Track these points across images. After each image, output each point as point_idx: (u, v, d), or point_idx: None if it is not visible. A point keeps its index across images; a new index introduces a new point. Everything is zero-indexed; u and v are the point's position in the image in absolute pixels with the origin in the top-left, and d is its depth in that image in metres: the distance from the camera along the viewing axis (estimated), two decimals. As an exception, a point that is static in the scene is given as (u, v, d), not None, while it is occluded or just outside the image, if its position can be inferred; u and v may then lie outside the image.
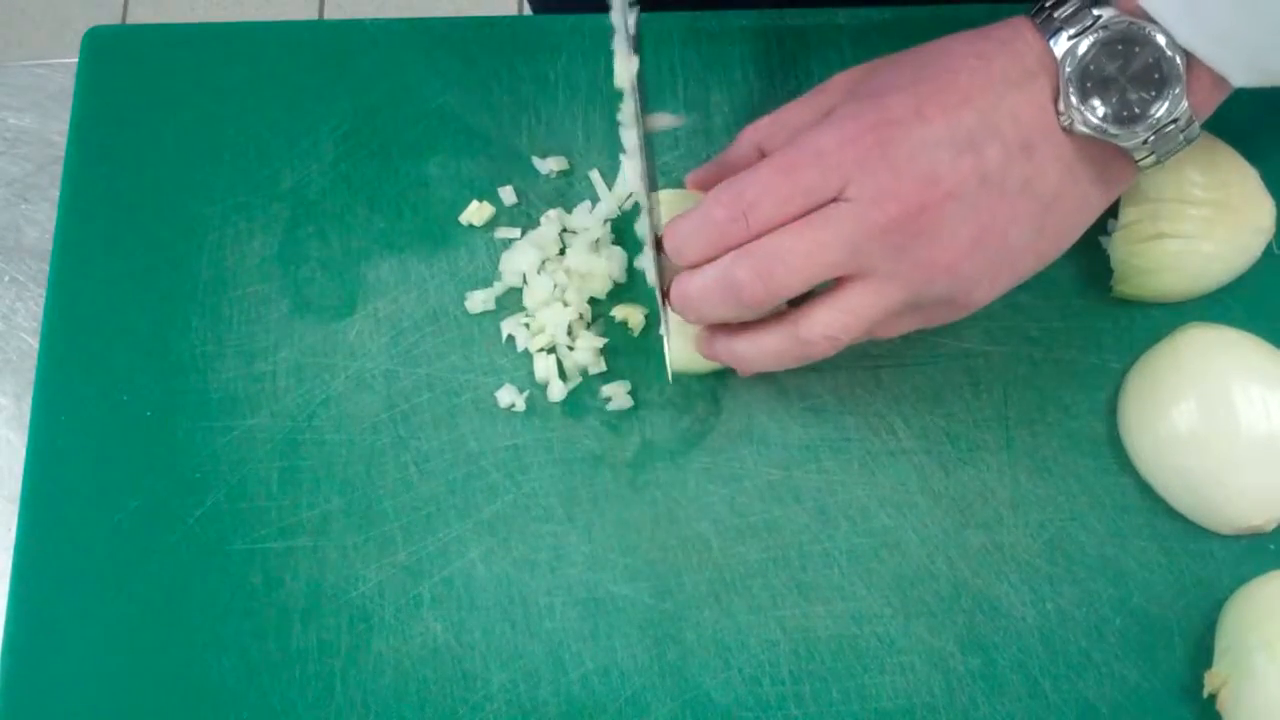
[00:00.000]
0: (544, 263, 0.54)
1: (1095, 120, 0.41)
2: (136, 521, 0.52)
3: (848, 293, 0.43)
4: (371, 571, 0.51)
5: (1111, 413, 0.52)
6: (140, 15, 1.51)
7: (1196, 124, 0.43)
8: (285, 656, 0.50)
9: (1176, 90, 0.41)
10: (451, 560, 0.51)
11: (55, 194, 0.57)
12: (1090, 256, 0.54)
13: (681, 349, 0.50)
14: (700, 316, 0.45)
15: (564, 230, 0.55)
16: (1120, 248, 0.52)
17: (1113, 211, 0.52)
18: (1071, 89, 0.41)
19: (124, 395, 0.54)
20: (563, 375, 0.53)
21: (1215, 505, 0.49)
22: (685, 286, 0.45)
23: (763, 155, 0.47)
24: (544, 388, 0.53)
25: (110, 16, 1.51)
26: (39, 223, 0.61)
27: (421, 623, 0.51)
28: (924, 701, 0.49)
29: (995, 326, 0.54)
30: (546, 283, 0.53)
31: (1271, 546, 0.51)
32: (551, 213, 0.55)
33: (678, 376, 0.53)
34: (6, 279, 0.60)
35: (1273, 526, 0.49)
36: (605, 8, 0.46)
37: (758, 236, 0.42)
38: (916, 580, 0.51)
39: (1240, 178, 0.52)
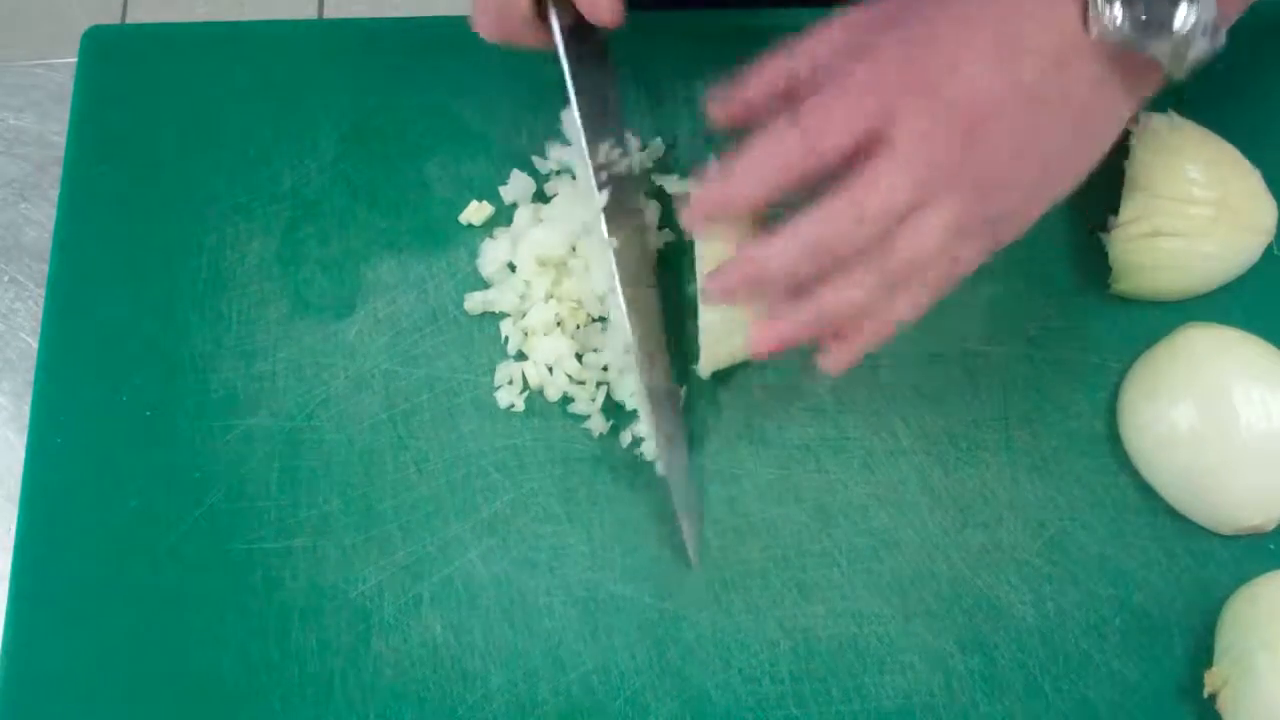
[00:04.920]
0: (546, 295, 0.54)
1: (1124, 30, 0.41)
2: (136, 521, 0.52)
3: (913, 220, 0.42)
4: (371, 571, 0.51)
5: (1111, 413, 0.52)
6: (140, 15, 1.51)
7: (1223, 30, 0.42)
8: (285, 656, 0.50)
9: None
10: (451, 560, 0.51)
11: (55, 194, 0.57)
12: (1090, 255, 0.54)
13: (719, 345, 0.50)
14: (775, 273, 0.43)
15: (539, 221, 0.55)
16: (1119, 245, 0.52)
17: (1113, 209, 0.52)
18: (1100, 0, 0.41)
19: (124, 395, 0.54)
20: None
21: (1215, 505, 0.49)
22: (764, 249, 0.43)
23: (787, 95, 0.46)
24: (543, 387, 0.53)
25: (110, 16, 1.51)
26: (38, 223, 0.61)
27: (421, 622, 0.51)
28: (924, 701, 0.49)
29: (995, 326, 0.54)
30: (548, 312, 0.53)
31: (1271, 546, 0.51)
32: (527, 208, 0.55)
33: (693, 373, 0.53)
34: (6, 279, 0.60)
35: (1273, 526, 0.49)
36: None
37: (825, 165, 0.42)
38: (916, 580, 0.51)
39: (1241, 178, 0.52)
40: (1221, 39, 0.43)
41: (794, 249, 0.42)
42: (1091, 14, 0.41)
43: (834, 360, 0.45)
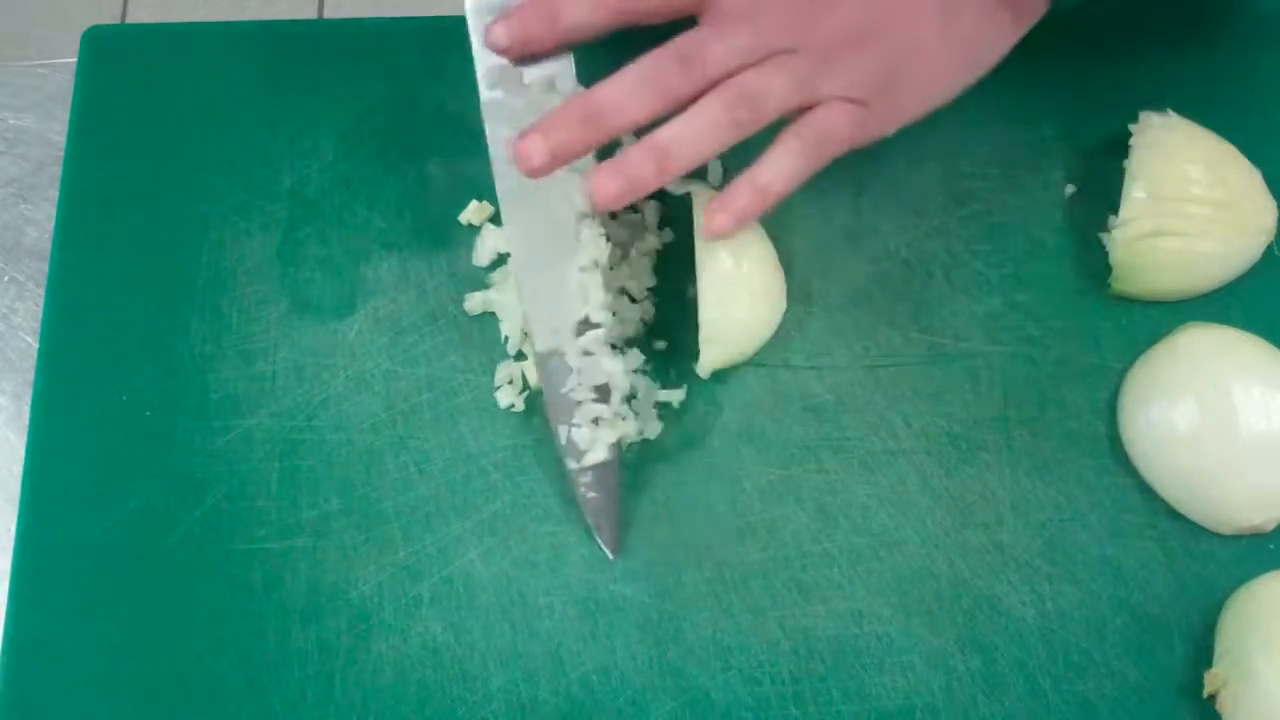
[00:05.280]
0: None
1: None
2: (136, 521, 0.52)
3: (757, 66, 0.43)
4: (371, 572, 0.51)
5: (1111, 413, 0.52)
6: (140, 15, 1.51)
7: None
8: (285, 656, 0.50)
9: None
10: (451, 560, 0.51)
11: (55, 194, 0.57)
12: (1090, 255, 0.54)
13: (719, 345, 0.51)
14: (617, 112, 0.44)
15: None
16: (1119, 245, 0.52)
17: (1113, 209, 0.52)
18: None
19: (124, 395, 0.54)
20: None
21: (1215, 505, 0.49)
22: (601, 90, 0.43)
23: None
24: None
25: (110, 16, 1.51)
26: (38, 223, 0.61)
27: (421, 623, 0.51)
28: (924, 701, 0.49)
29: (995, 326, 0.54)
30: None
31: (1271, 546, 0.51)
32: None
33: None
34: (6, 279, 0.60)
35: (1273, 526, 0.49)
36: None
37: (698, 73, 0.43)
38: (916, 580, 0.51)
39: (1241, 177, 0.52)
40: None
41: (625, 79, 0.43)
42: None
43: (716, 221, 0.46)
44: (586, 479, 0.50)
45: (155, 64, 0.59)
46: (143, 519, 0.52)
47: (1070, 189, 0.56)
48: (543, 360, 0.50)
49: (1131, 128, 0.53)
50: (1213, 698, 0.47)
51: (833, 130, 0.45)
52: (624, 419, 0.50)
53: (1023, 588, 0.50)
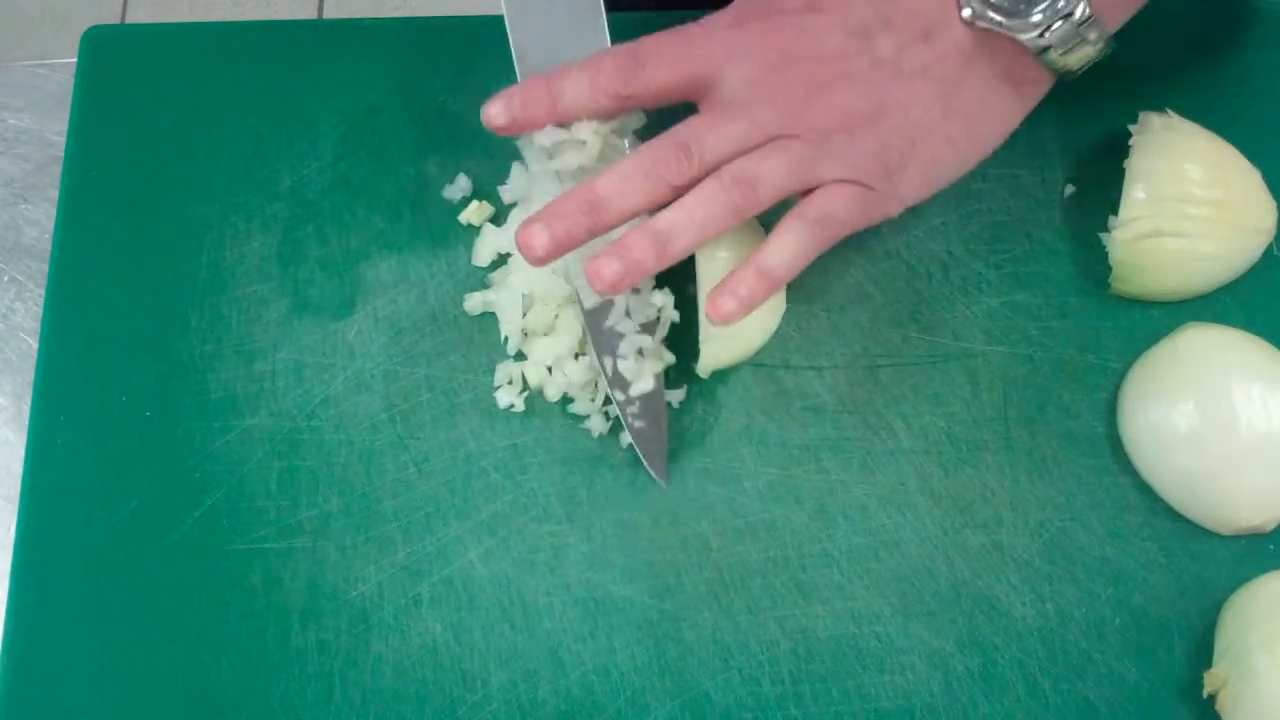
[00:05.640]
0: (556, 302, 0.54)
1: (987, 11, 0.43)
2: (136, 521, 0.52)
3: (753, 154, 0.44)
4: (371, 571, 0.51)
5: (1111, 413, 0.52)
6: (140, 15, 1.51)
7: (1102, 25, 0.43)
8: (284, 656, 0.50)
9: None
10: (451, 560, 0.51)
11: (54, 194, 0.57)
12: (1090, 255, 0.54)
13: (719, 345, 0.51)
14: (617, 202, 0.44)
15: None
16: (1119, 246, 0.52)
17: (1113, 209, 0.52)
18: None
19: (123, 395, 0.54)
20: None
21: (1215, 505, 0.49)
22: (600, 181, 0.44)
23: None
24: (542, 388, 0.53)
25: (110, 16, 1.51)
26: (38, 223, 0.61)
27: (421, 623, 0.51)
28: (924, 701, 0.49)
29: (995, 326, 0.54)
30: (547, 312, 0.53)
31: (1271, 546, 0.51)
32: (524, 206, 0.55)
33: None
34: (6, 279, 0.60)
35: (1273, 526, 0.49)
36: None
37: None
38: (916, 580, 0.51)
39: (1241, 178, 0.52)
40: (1101, 35, 0.44)
41: (624, 169, 0.44)
42: None
43: (724, 307, 0.46)
44: (634, 409, 0.50)
45: (155, 64, 0.59)
46: (143, 519, 0.52)
47: (1070, 189, 0.56)
48: (587, 296, 0.50)
49: (1131, 128, 0.53)
50: (1212, 698, 0.47)
51: (835, 213, 0.45)
52: (666, 350, 0.51)
53: (1023, 588, 0.50)
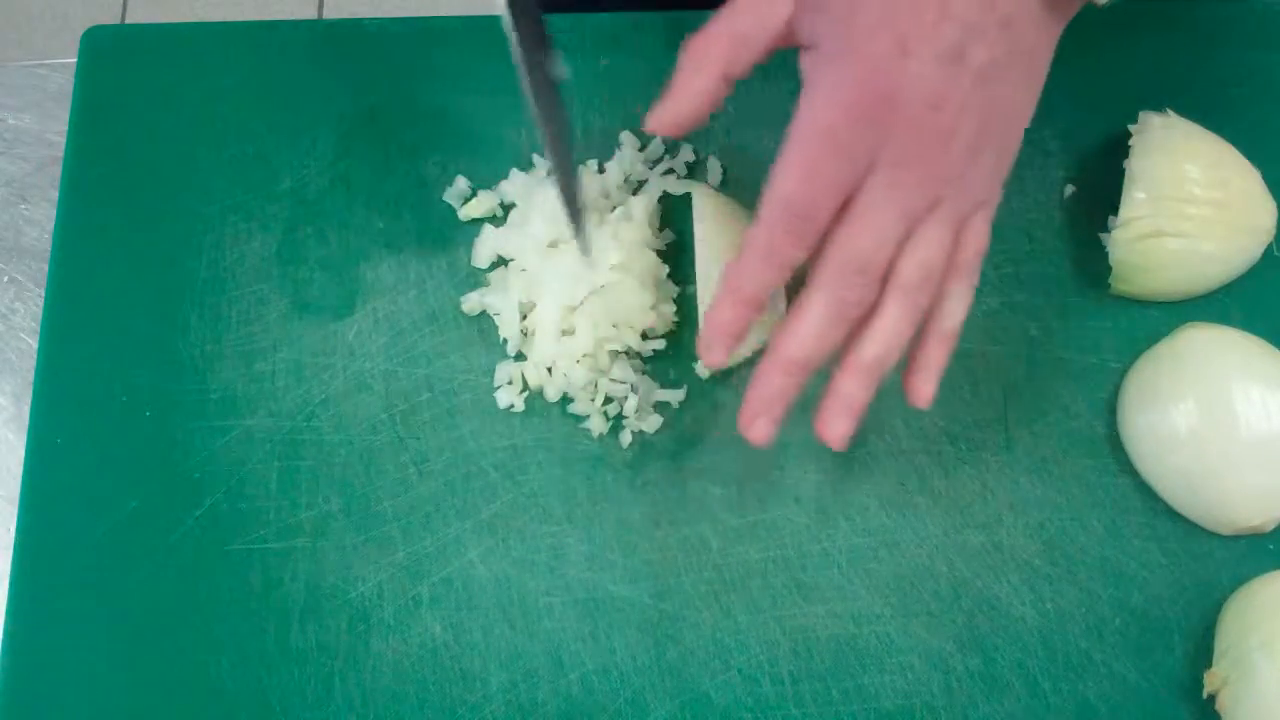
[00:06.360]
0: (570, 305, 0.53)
1: None
2: (136, 521, 0.52)
3: (913, 240, 0.43)
4: (370, 571, 0.51)
5: (1111, 413, 0.52)
6: (139, 15, 1.51)
7: None
8: (284, 656, 0.50)
9: None
10: (450, 560, 0.51)
11: (54, 194, 0.57)
12: (1090, 255, 0.54)
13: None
14: (819, 353, 0.44)
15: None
16: (1119, 246, 0.52)
17: (1113, 209, 0.52)
18: None
19: (123, 395, 0.54)
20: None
21: (1215, 505, 0.49)
22: (789, 342, 0.44)
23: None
24: (542, 388, 0.53)
25: (109, 16, 1.51)
26: (38, 223, 0.61)
27: (420, 623, 0.51)
28: (923, 701, 0.49)
29: (995, 326, 0.54)
30: (547, 312, 0.53)
31: (1271, 546, 0.51)
32: (523, 206, 0.55)
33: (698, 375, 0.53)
34: (6, 279, 0.60)
35: (1272, 526, 0.49)
36: (598, 6, 0.46)
37: (817, 241, 0.43)
38: (916, 580, 0.51)
39: (1241, 178, 0.52)
40: None
41: (815, 325, 0.43)
42: None
43: (922, 389, 0.46)
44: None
45: (155, 64, 0.59)
46: (143, 519, 0.52)
47: (1070, 189, 0.56)
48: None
49: (1131, 128, 0.53)
50: (1212, 698, 0.47)
51: (982, 246, 0.45)
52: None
53: (1022, 588, 0.50)
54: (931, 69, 0.41)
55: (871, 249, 0.42)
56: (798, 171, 0.42)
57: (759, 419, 0.45)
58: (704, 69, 0.45)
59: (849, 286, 0.43)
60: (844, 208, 0.42)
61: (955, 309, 0.45)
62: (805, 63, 0.43)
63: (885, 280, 0.43)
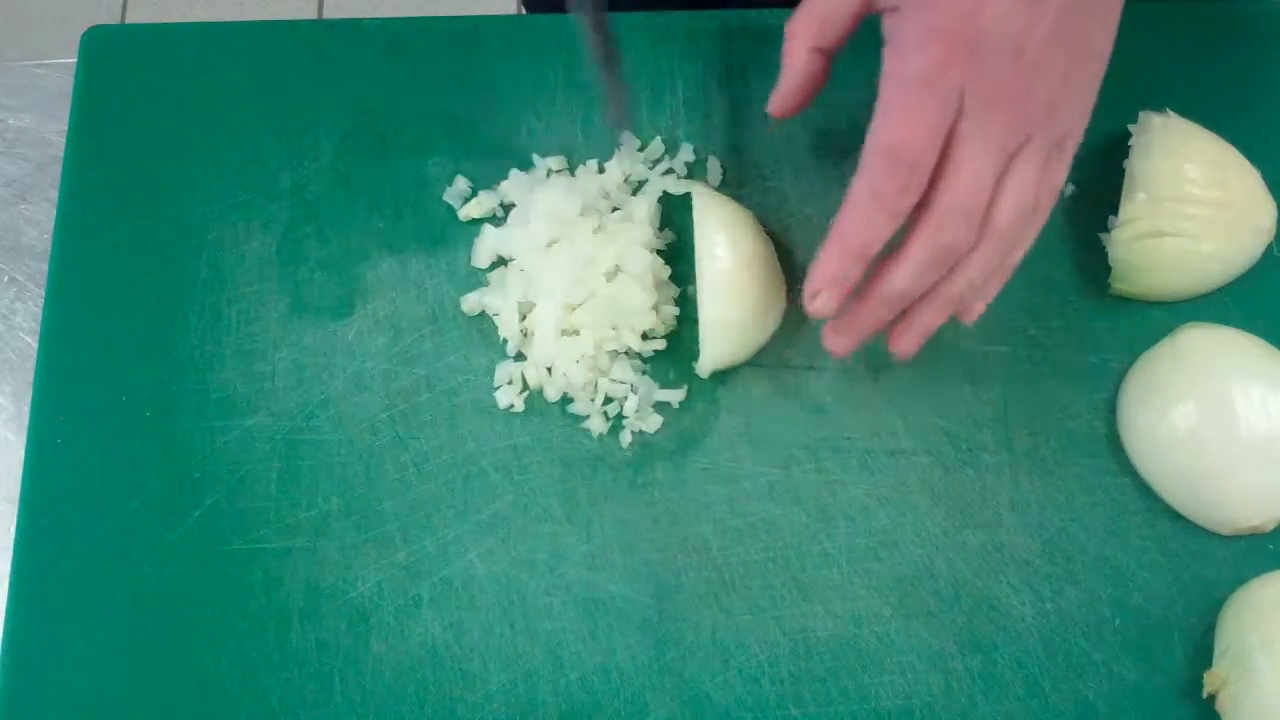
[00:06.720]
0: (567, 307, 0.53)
1: None
2: (136, 521, 0.52)
3: (1006, 182, 0.44)
4: (370, 572, 0.51)
5: (1111, 413, 0.52)
6: (139, 15, 1.51)
7: None
8: (284, 656, 0.50)
9: None
10: (450, 560, 0.51)
11: (54, 194, 0.57)
12: (1090, 255, 0.54)
13: (719, 345, 0.51)
14: (918, 292, 0.46)
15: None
16: (1119, 245, 0.52)
17: (1113, 209, 0.52)
18: None
19: (123, 395, 0.54)
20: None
21: (1215, 505, 0.49)
22: (893, 282, 0.45)
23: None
24: (542, 388, 0.53)
25: (109, 16, 1.51)
26: (38, 223, 0.61)
27: (420, 623, 0.51)
28: (923, 701, 0.49)
29: (995, 326, 0.54)
30: (547, 312, 0.53)
31: (1271, 546, 0.51)
32: (523, 206, 0.55)
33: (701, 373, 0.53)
34: (6, 279, 0.60)
35: (1273, 526, 0.49)
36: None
37: (922, 188, 0.44)
38: (916, 580, 0.51)
39: (1241, 178, 0.52)
40: None
41: (916, 267, 0.44)
42: None
43: (971, 315, 0.48)
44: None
45: (155, 64, 0.59)
46: (143, 519, 0.52)
47: (1070, 189, 0.55)
48: None
49: (1131, 128, 0.53)
50: (1212, 698, 0.47)
51: (1059, 180, 0.46)
52: None
53: (1022, 588, 0.50)
54: (1012, 9, 0.42)
55: (970, 194, 0.44)
56: (897, 118, 0.43)
57: (846, 335, 0.47)
58: (798, 47, 0.47)
59: (951, 230, 0.44)
60: (940, 159, 0.43)
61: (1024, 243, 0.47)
62: (888, 24, 0.44)
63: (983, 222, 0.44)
